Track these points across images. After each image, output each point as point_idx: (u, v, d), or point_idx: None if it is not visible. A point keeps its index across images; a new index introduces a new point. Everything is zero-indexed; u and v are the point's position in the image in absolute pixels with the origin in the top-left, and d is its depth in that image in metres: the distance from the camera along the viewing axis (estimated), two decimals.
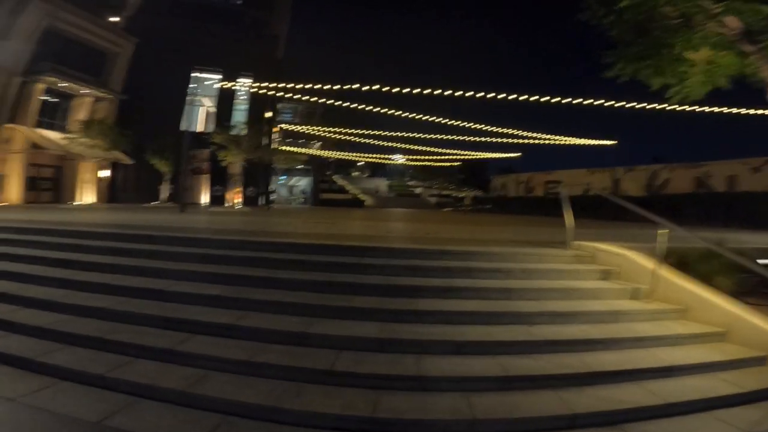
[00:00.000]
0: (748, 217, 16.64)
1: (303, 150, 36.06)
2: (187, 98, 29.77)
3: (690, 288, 4.34)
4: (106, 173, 25.49)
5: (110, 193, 26.31)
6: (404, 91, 15.22)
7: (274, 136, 37.82)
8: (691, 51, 6.52)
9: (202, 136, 25.06)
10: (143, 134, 22.97)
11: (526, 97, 16.02)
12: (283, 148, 35.96)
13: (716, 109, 16.45)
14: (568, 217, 5.75)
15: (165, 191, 23.37)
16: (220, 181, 28.66)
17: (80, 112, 23.39)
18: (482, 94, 15.82)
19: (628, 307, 4.27)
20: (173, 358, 3.39)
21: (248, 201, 28.90)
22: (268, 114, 31.68)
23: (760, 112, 16.44)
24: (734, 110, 16.38)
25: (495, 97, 15.91)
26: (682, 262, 4.94)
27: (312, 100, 20.10)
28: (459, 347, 3.48)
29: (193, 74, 29.18)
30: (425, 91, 15.00)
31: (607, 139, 23.32)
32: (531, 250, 5.46)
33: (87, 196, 23.11)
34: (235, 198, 29.54)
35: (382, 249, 5.31)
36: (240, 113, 30.95)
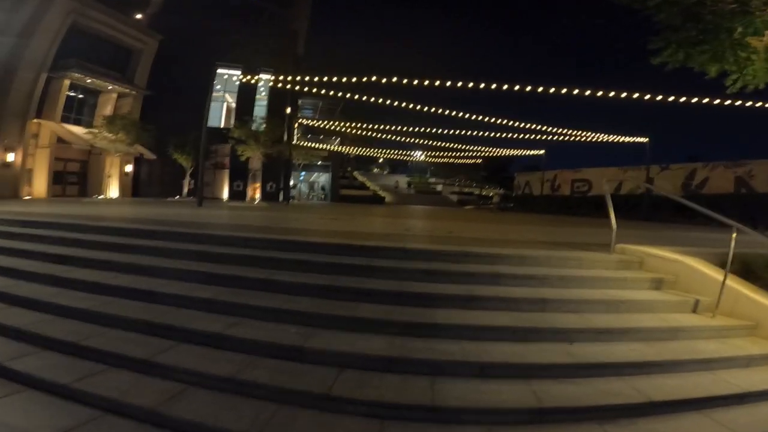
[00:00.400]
0: None
1: (322, 146, 35.85)
2: (209, 94, 30.00)
3: (762, 300, 3.62)
4: (130, 168, 25.91)
5: (134, 187, 26.72)
6: (425, 83, 14.58)
7: (294, 131, 37.88)
8: (753, 37, 5.72)
9: (223, 132, 25.12)
10: (166, 129, 23.08)
11: (553, 89, 15.04)
12: (303, 143, 35.90)
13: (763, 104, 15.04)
14: (612, 217, 5.00)
15: (186, 186, 23.49)
16: (240, 176, 28.68)
17: (105, 108, 23.74)
18: (506, 86, 14.96)
19: (688, 323, 3.58)
20: (150, 369, 2.96)
21: (268, 196, 28.86)
22: (288, 109, 31.62)
23: None
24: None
25: (521, 89, 15.03)
26: (747, 270, 4.20)
27: (330, 93, 19.69)
28: (483, 369, 2.91)
29: (214, 70, 29.36)
30: (447, 83, 14.29)
31: (639, 136, 21.93)
32: (568, 254, 4.77)
33: (112, 190, 23.47)
34: (255, 193, 29.61)
35: (396, 249, 4.70)
36: (260, 108, 30.97)
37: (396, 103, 19.07)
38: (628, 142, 21.96)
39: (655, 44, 6.46)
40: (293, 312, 3.49)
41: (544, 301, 3.75)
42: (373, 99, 19.30)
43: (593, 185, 29.78)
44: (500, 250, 4.87)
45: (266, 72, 30.22)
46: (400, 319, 3.39)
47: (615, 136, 22.11)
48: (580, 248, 5.14)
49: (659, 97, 14.82)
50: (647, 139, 21.34)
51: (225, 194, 28.78)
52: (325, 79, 15.49)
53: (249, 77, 26.68)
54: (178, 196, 23.40)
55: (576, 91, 14.79)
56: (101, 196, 21.68)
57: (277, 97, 29.43)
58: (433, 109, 19.60)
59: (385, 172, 76.56)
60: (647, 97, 14.76)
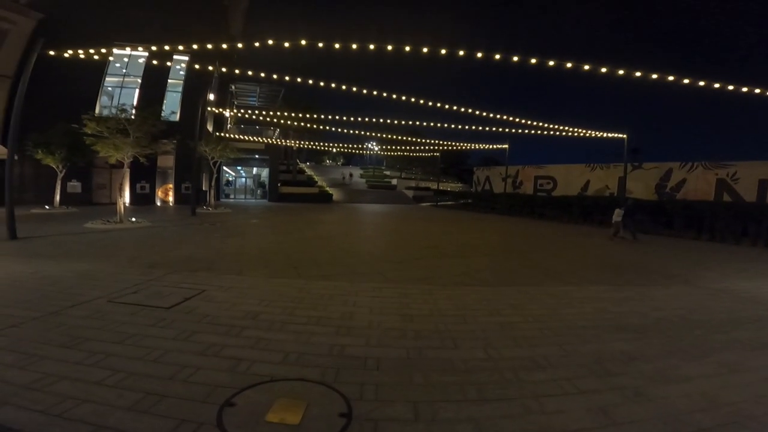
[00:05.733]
0: None
1: (254, 138, 30.89)
2: (106, 79, 24.72)
3: None
4: None
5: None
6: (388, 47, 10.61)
7: (227, 121, 32.54)
8: None
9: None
10: (41, 123, 17.86)
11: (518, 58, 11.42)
12: (229, 135, 30.86)
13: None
14: None
15: (58, 191, 18.05)
16: (145, 176, 23.38)
17: None
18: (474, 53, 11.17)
19: None
20: None
21: (184, 199, 23.83)
22: (210, 96, 26.58)
23: None
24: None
25: (486, 57, 11.32)
26: None
27: (274, 77, 15.35)
28: None
29: (115, 51, 24.05)
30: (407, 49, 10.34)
31: (617, 132, 19.00)
32: None
33: None
34: (167, 195, 24.48)
35: None
36: (173, 96, 25.84)
37: (349, 88, 15.00)
38: (604, 137, 18.92)
39: None
40: None
41: None
42: (322, 84, 15.14)
43: (558, 183, 27.14)
44: None
45: (183, 54, 25.30)
46: None
47: (588, 131, 18.96)
48: None
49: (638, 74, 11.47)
50: (625, 135, 18.35)
51: (127, 198, 23.43)
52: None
53: (158, 60, 21.67)
54: (47, 206, 17.99)
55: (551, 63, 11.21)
56: None
57: (197, 82, 24.46)
58: (387, 93, 15.67)
59: (339, 164, 72.02)
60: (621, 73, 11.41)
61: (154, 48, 19.53)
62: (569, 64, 11.52)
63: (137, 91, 24.56)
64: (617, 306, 5.10)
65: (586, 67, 11.63)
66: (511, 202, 26.42)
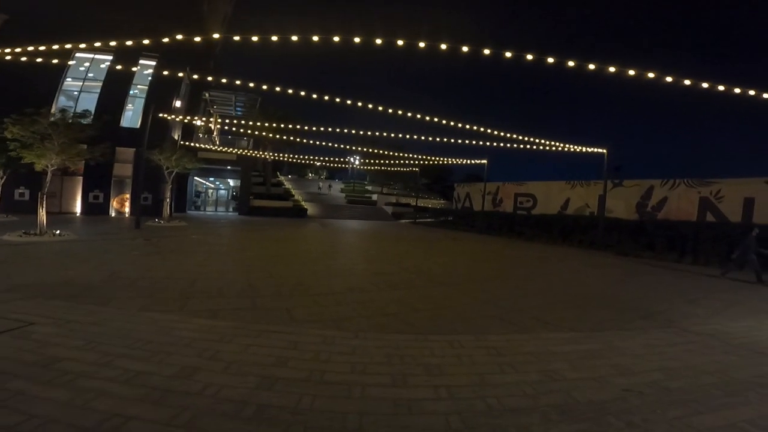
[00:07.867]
0: None
1: (217, 147, 29.51)
2: (65, 81, 23.36)
3: None
4: None
5: None
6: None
7: (195, 130, 31.15)
8: None
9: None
10: None
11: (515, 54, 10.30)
12: (205, 145, 29.56)
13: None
14: None
15: None
16: (100, 185, 21.78)
17: None
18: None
19: None
20: None
21: (143, 210, 22.21)
22: (177, 103, 25.26)
23: None
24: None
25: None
26: None
27: (249, 85, 14.31)
28: None
29: (76, 54, 22.79)
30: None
31: (596, 147, 18.10)
32: None
33: None
34: (123, 206, 22.84)
35: None
36: (138, 101, 24.55)
37: (321, 98, 14.14)
38: (583, 151, 18.00)
39: None
40: None
41: None
42: (303, 93, 14.30)
43: (538, 201, 26.19)
44: None
45: (148, 58, 24.09)
46: None
47: (567, 146, 18.03)
48: None
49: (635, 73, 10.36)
50: (605, 150, 17.45)
51: (78, 208, 21.75)
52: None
53: (121, 64, 20.34)
54: None
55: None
56: None
57: (164, 88, 23.22)
58: (371, 105, 14.82)
59: (323, 177, 70.79)
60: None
61: (117, 43, 18.26)
62: (551, 59, 10.35)
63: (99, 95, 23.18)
64: (573, 368, 3.82)
65: (570, 63, 10.45)
66: (490, 220, 25.38)
